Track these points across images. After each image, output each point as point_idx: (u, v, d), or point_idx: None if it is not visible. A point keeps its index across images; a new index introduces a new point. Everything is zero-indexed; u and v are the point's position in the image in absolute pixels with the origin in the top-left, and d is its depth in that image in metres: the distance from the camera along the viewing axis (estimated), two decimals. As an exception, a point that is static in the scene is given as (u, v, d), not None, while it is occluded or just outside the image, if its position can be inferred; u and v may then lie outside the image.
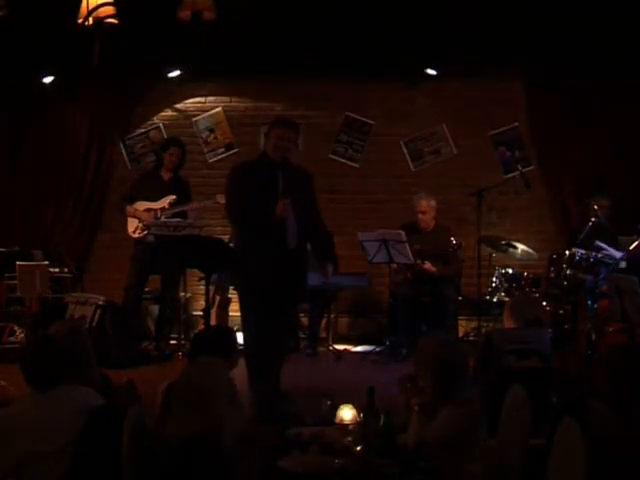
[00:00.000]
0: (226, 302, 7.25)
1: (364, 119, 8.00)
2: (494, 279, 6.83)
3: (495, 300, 6.73)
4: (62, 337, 2.98)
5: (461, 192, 7.54)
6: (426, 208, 6.77)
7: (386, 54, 7.29)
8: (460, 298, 6.95)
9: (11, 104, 7.91)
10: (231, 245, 5.27)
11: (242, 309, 4.75)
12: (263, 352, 4.61)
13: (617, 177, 7.55)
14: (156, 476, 2.54)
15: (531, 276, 6.81)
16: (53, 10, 5.98)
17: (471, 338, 6.97)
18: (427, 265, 6.61)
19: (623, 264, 6.00)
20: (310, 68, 7.45)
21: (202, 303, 5.79)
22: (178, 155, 6.64)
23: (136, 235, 6.52)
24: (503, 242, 6.93)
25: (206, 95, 8.13)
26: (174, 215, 6.46)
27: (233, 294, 7.35)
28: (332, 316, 7.24)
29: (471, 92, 7.84)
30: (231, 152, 8.08)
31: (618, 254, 6.16)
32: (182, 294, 7.08)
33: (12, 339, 6.57)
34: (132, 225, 6.55)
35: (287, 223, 4.52)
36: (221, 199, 6.58)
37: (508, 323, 4.19)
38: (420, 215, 6.78)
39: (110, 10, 4.70)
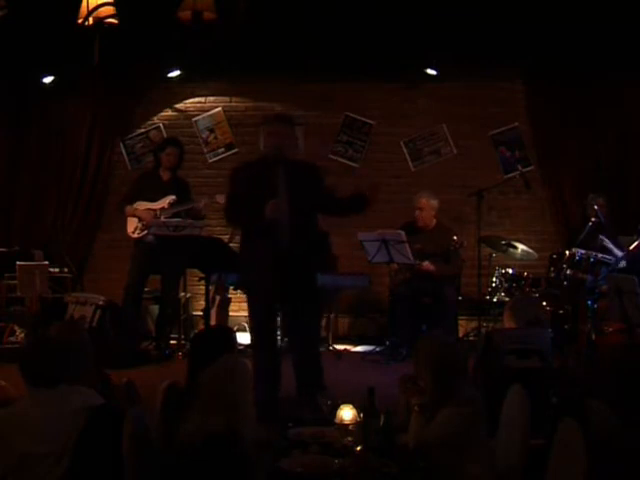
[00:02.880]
0: (226, 302, 7.25)
1: (364, 119, 8.00)
2: (494, 279, 6.83)
3: (495, 300, 6.73)
4: (62, 337, 2.98)
5: (461, 192, 7.54)
6: (424, 205, 6.78)
7: (386, 54, 7.29)
8: (460, 298, 6.95)
9: (11, 104, 7.92)
10: (231, 245, 5.28)
11: (248, 309, 4.80)
12: (261, 352, 4.62)
13: (617, 177, 7.56)
14: (159, 475, 2.54)
15: (531, 276, 6.81)
16: (53, 10, 5.98)
17: (471, 338, 6.96)
18: (425, 264, 6.61)
19: (623, 263, 6.02)
20: (310, 68, 7.45)
21: (202, 303, 5.80)
22: (175, 155, 6.63)
23: (135, 235, 6.52)
24: (503, 242, 6.93)
25: (206, 95, 8.14)
26: (174, 215, 6.46)
27: (233, 294, 7.36)
28: (332, 316, 7.24)
29: (471, 92, 7.85)
30: (231, 152, 8.09)
31: (619, 253, 6.18)
32: (182, 294, 7.09)
33: (12, 339, 6.56)
34: (131, 225, 6.55)
35: (280, 223, 4.44)
36: (220, 199, 6.61)
37: (508, 323, 4.18)
38: (417, 212, 6.79)
39: (110, 10, 4.70)
